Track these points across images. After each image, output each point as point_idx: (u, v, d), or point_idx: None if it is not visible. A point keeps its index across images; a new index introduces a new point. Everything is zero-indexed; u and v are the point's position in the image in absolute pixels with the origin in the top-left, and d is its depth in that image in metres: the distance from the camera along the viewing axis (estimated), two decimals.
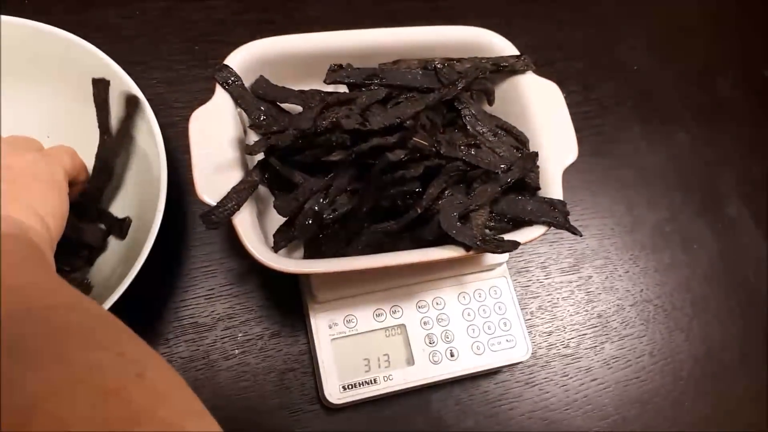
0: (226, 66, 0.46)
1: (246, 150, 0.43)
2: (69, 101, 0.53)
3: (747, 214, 0.70)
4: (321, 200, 0.44)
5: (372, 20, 0.68)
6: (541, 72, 0.51)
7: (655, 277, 0.65)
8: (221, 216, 0.40)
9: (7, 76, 0.52)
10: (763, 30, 0.80)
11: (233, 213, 0.40)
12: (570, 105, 0.51)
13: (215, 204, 0.41)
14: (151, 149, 0.49)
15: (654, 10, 0.78)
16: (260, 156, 0.45)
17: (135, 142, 0.52)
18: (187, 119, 0.60)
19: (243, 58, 0.47)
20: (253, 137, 0.48)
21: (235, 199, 0.40)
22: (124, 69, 0.50)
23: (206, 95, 0.61)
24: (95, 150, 0.52)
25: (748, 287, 0.67)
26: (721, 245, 0.68)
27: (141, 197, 0.51)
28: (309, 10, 0.66)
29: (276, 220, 0.46)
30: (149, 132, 0.49)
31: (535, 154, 0.48)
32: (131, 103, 0.50)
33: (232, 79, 0.46)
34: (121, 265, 0.49)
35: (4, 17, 0.49)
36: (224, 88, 0.46)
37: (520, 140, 0.49)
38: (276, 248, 0.45)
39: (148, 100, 0.50)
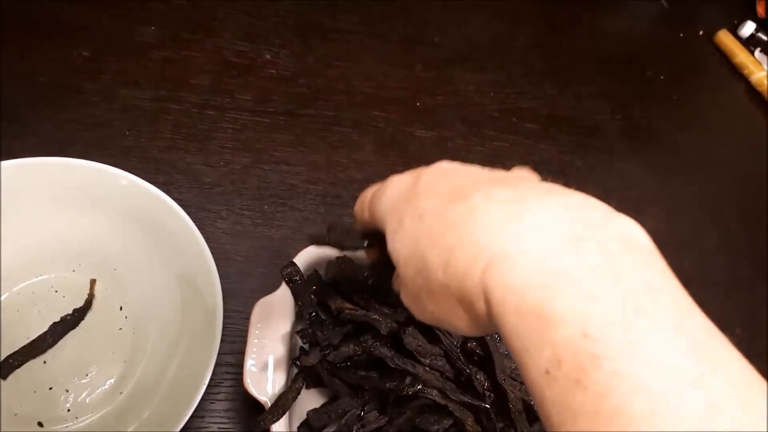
0: (293, 263, 0.50)
1: (301, 361, 0.47)
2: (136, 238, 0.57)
3: None
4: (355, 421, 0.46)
5: None
6: None
7: None
8: (270, 423, 0.43)
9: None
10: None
11: (278, 419, 0.43)
12: None
13: (266, 407, 0.44)
14: (209, 300, 0.52)
15: (678, 263, 0.84)
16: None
17: (191, 281, 0.55)
18: (243, 273, 0.61)
19: (309, 256, 0.52)
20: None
21: (282, 407, 0.44)
22: (195, 214, 0.55)
23: (263, 252, 0.63)
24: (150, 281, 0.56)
25: None
26: None
27: (187, 331, 0.53)
28: None
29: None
30: (208, 279, 0.53)
31: None
32: None
33: (296, 276, 0.50)
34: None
35: (89, 163, 0.54)
36: (287, 284, 0.50)
37: None
38: None
39: (211, 248, 0.54)
